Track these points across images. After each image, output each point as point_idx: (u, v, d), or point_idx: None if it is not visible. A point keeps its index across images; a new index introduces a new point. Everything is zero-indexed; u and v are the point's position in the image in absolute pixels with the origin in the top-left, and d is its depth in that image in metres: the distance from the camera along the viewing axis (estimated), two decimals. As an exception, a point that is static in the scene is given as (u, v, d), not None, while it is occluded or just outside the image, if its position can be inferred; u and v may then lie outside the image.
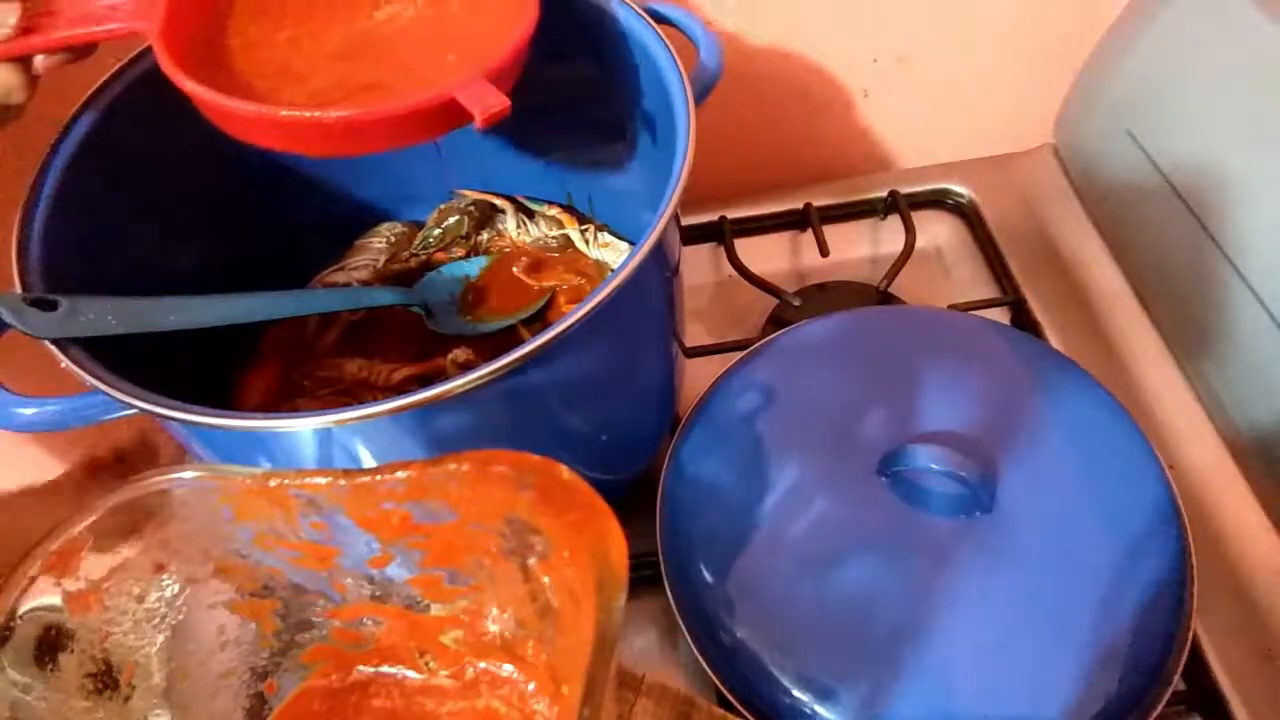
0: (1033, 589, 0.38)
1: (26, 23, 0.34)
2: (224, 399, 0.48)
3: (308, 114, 0.33)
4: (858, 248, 0.65)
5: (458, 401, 0.30)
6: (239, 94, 0.33)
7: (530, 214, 0.55)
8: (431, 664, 0.36)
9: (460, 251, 0.54)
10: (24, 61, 0.34)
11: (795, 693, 0.37)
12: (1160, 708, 0.37)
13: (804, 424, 0.44)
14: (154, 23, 0.34)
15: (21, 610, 0.28)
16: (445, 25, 0.38)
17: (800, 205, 0.63)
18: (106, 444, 0.51)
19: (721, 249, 0.62)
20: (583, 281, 0.52)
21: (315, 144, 0.35)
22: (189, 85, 0.33)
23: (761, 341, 0.49)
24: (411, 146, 0.36)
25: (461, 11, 0.38)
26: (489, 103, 0.33)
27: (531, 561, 0.30)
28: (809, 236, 0.62)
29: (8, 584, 0.27)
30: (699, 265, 0.64)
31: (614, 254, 0.53)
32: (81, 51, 0.36)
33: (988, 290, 0.60)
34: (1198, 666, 0.43)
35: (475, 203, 0.55)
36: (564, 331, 0.31)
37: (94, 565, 0.29)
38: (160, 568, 0.31)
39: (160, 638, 0.32)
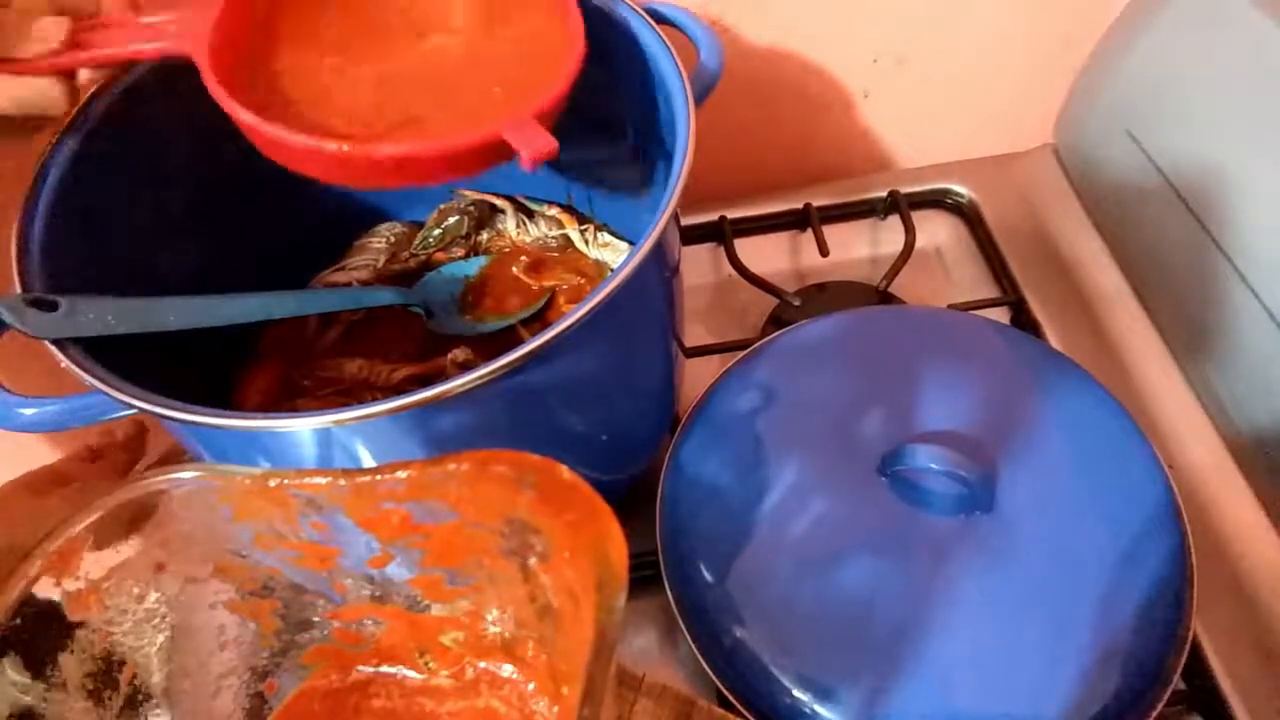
0: (1033, 589, 0.38)
1: (74, 37, 0.34)
2: (224, 399, 0.47)
3: (361, 150, 0.33)
4: (858, 248, 0.65)
5: (458, 401, 0.30)
6: (281, 119, 0.33)
7: (530, 214, 0.55)
8: (431, 664, 0.36)
9: (460, 251, 0.54)
10: (68, 74, 0.34)
11: (795, 692, 0.37)
12: (1160, 708, 0.37)
13: (804, 424, 0.44)
14: (201, 44, 0.34)
15: (22, 610, 0.28)
16: (492, 58, 0.38)
17: (800, 205, 0.63)
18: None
19: (721, 249, 0.62)
20: (583, 281, 0.52)
21: (361, 177, 0.35)
22: (242, 115, 0.33)
23: (761, 341, 0.49)
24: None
25: (509, 45, 0.38)
26: (537, 145, 0.33)
27: (531, 561, 0.30)
28: (809, 236, 0.62)
29: (8, 584, 0.27)
30: (699, 265, 0.64)
31: (614, 254, 0.53)
32: (126, 68, 0.36)
33: (988, 290, 0.60)
34: (1198, 666, 0.43)
35: (475, 203, 0.55)
36: (564, 331, 0.31)
37: (94, 565, 0.29)
38: (160, 568, 0.31)
39: (160, 638, 0.32)
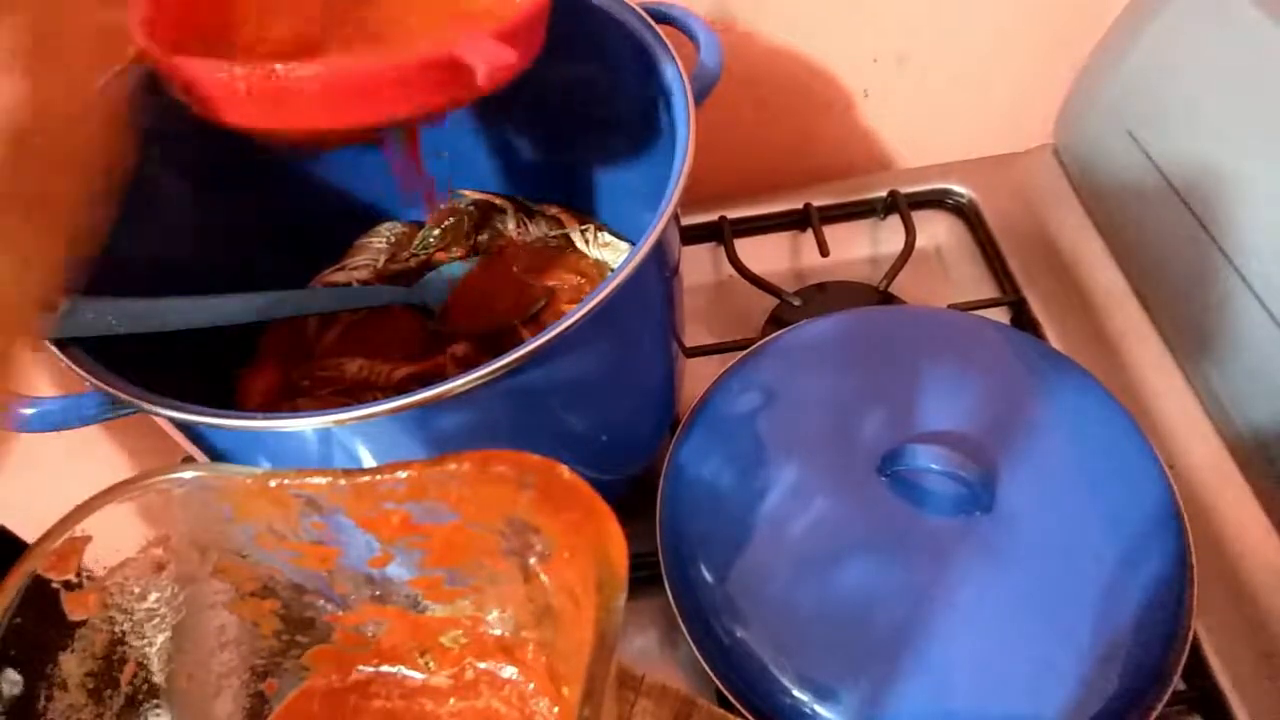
0: (1033, 589, 0.38)
1: None
2: (224, 399, 0.47)
3: (278, 69, 0.30)
4: (858, 248, 0.65)
5: (458, 401, 0.30)
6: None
7: (530, 214, 0.55)
8: (432, 664, 0.36)
9: (460, 251, 0.54)
10: None
11: (795, 693, 0.37)
12: (1160, 707, 0.37)
13: (804, 424, 0.44)
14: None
15: (22, 609, 0.28)
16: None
17: (800, 205, 0.63)
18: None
19: (721, 249, 0.62)
20: (583, 281, 0.52)
21: (290, 115, 0.31)
22: (159, 56, 0.31)
23: (761, 341, 0.49)
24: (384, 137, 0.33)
25: None
26: (493, 58, 0.30)
27: (532, 561, 0.30)
28: (809, 236, 0.62)
29: (7, 584, 0.27)
30: (699, 265, 0.64)
31: (614, 254, 0.53)
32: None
33: (988, 290, 0.60)
34: (1198, 666, 0.43)
35: (475, 203, 0.55)
36: (564, 331, 0.31)
37: (94, 565, 0.29)
38: (160, 567, 0.31)
39: (161, 637, 0.32)
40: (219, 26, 0.36)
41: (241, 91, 0.31)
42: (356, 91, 0.31)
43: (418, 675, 0.36)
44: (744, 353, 0.49)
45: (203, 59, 0.31)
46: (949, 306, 0.54)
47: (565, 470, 0.27)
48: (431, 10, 0.36)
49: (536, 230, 0.54)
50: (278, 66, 0.30)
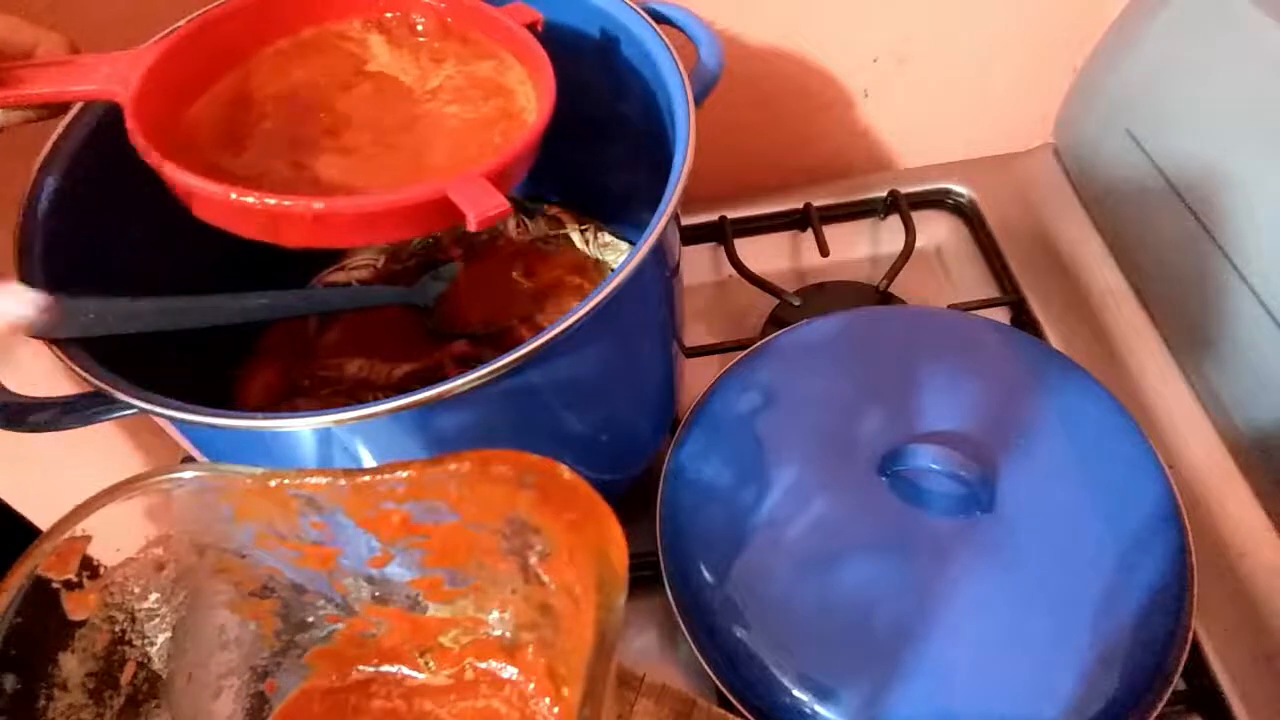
0: (1033, 589, 0.38)
1: (4, 74, 0.33)
2: (224, 399, 0.47)
3: (286, 204, 0.31)
4: (858, 248, 0.65)
5: (458, 401, 0.30)
6: (207, 175, 0.32)
7: (530, 214, 0.55)
8: (432, 664, 0.36)
9: (459, 251, 0.54)
10: None
11: (795, 692, 0.37)
12: (1160, 707, 0.37)
13: (804, 424, 0.44)
14: (128, 90, 0.33)
15: (23, 608, 0.28)
16: (454, 120, 0.37)
17: (800, 205, 0.63)
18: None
19: (721, 249, 0.62)
20: (583, 281, 0.52)
21: (290, 235, 0.33)
22: (165, 167, 0.32)
23: (761, 341, 0.49)
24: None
25: (475, 107, 0.38)
26: (485, 204, 0.31)
27: (532, 561, 0.30)
28: (809, 236, 0.62)
29: (7, 584, 0.27)
30: (699, 265, 0.64)
31: (614, 254, 0.53)
32: (53, 110, 0.35)
33: (988, 290, 0.60)
34: (1198, 666, 0.43)
35: (475, 203, 0.55)
36: (564, 331, 0.31)
37: (94, 565, 0.29)
38: (160, 567, 0.31)
39: (161, 637, 0.32)
40: (234, 109, 0.37)
41: (235, 208, 0.32)
42: (348, 223, 0.32)
43: (418, 675, 0.36)
44: (744, 353, 0.49)
45: (198, 175, 0.32)
46: (949, 306, 0.54)
47: (565, 470, 0.27)
48: (455, 124, 0.37)
49: (536, 230, 0.54)
50: (268, 200, 0.31)
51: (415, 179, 0.34)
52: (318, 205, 0.31)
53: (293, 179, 0.34)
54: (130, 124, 0.33)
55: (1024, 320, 0.57)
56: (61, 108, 0.35)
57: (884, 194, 0.64)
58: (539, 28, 0.39)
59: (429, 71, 0.39)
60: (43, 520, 0.30)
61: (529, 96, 0.38)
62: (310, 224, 0.31)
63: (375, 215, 0.32)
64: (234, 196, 0.31)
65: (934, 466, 0.39)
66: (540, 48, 0.38)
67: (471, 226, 0.31)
